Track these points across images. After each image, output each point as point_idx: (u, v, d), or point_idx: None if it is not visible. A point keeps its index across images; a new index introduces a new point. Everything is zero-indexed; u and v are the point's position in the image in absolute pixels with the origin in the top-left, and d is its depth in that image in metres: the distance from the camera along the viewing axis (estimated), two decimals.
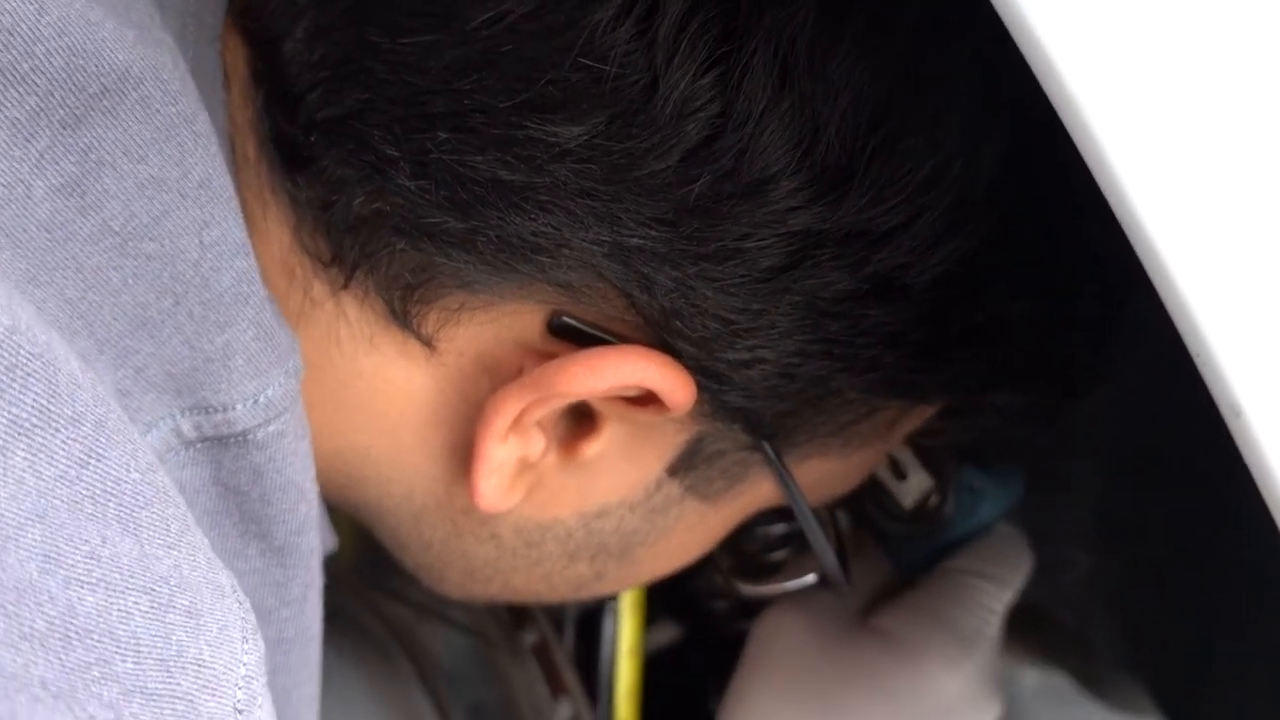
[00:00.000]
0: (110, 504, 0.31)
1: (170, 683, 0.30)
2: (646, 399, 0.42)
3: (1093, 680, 0.76)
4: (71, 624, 0.28)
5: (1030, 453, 0.58)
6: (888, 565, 0.59)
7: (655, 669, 0.65)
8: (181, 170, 0.37)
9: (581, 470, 0.44)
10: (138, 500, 0.32)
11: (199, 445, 0.39)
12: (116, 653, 0.29)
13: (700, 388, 0.41)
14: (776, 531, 0.58)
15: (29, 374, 0.30)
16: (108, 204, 0.36)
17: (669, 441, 0.44)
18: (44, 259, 0.35)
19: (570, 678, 0.63)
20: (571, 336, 0.41)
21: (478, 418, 0.42)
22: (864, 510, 0.58)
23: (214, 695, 0.31)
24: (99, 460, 0.31)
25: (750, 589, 0.58)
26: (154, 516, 0.32)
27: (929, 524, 0.56)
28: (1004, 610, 0.55)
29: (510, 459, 0.43)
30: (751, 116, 0.37)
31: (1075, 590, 0.66)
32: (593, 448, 0.43)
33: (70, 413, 0.31)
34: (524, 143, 0.37)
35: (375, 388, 0.43)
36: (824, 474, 0.47)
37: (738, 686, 0.56)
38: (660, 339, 0.41)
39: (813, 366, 0.41)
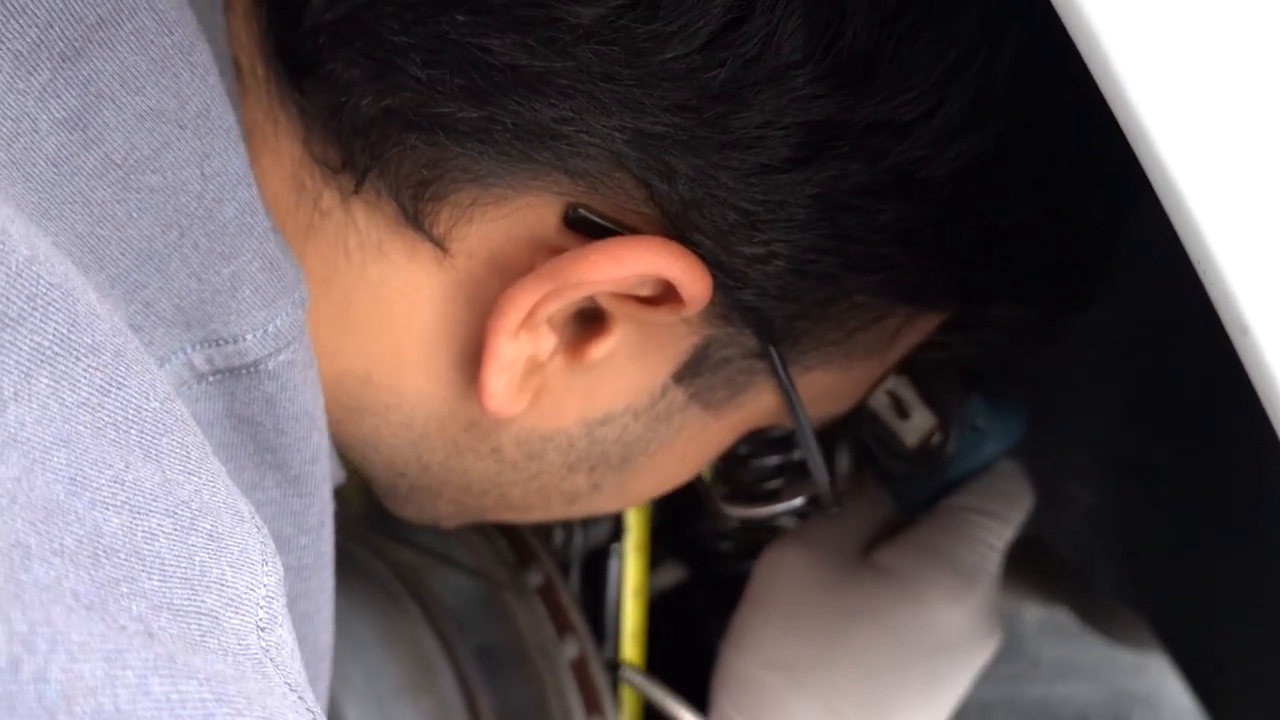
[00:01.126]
0: (132, 430, 0.32)
1: (195, 600, 0.31)
2: (659, 298, 0.42)
3: (1093, 616, 0.77)
4: (99, 542, 0.29)
5: (1035, 389, 0.58)
6: (890, 503, 0.59)
7: (660, 610, 0.66)
8: (179, 101, 0.37)
9: (588, 373, 0.44)
10: (158, 428, 0.33)
11: (211, 378, 0.39)
12: (143, 570, 0.30)
13: (715, 285, 0.41)
14: (771, 463, 0.59)
15: (49, 303, 0.31)
16: (109, 137, 0.36)
17: (677, 345, 0.44)
18: (53, 193, 0.35)
19: (575, 617, 0.64)
20: (587, 230, 0.40)
21: (489, 316, 0.41)
22: (867, 449, 0.58)
23: (237, 612, 0.32)
24: (119, 388, 0.32)
25: (741, 512, 0.59)
26: (174, 444, 0.33)
27: (931, 462, 0.56)
28: (1004, 546, 0.56)
29: (520, 357, 0.42)
30: (779, 0, 0.37)
31: (1077, 526, 0.66)
32: (601, 348, 0.43)
33: (90, 341, 0.31)
34: (546, 24, 0.37)
35: (381, 298, 0.43)
36: (824, 388, 0.47)
37: (739, 622, 0.57)
38: (678, 232, 0.40)
39: (826, 264, 0.41)
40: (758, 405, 0.47)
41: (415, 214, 0.41)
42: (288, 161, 0.41)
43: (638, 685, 0.63)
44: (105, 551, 0.29)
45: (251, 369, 0.39)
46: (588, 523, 0.68)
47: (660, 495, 0.53)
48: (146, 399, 0.32)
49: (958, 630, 0.54)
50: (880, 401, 0.56)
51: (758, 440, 0.56)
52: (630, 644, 0.65)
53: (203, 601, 0.31)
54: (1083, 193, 0.45)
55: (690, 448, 0.49)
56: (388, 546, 0.67)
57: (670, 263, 0.40)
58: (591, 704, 0.64)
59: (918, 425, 0.56)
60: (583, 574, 0.69)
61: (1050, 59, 0.39)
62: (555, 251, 0.41)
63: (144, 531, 0.30)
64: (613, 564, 0.68)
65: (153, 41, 0.36)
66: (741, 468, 0.60)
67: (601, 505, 0.52)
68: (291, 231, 0.42)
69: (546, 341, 0.42)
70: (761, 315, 0.42)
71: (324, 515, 0.43)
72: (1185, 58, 0.29)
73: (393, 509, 0.51)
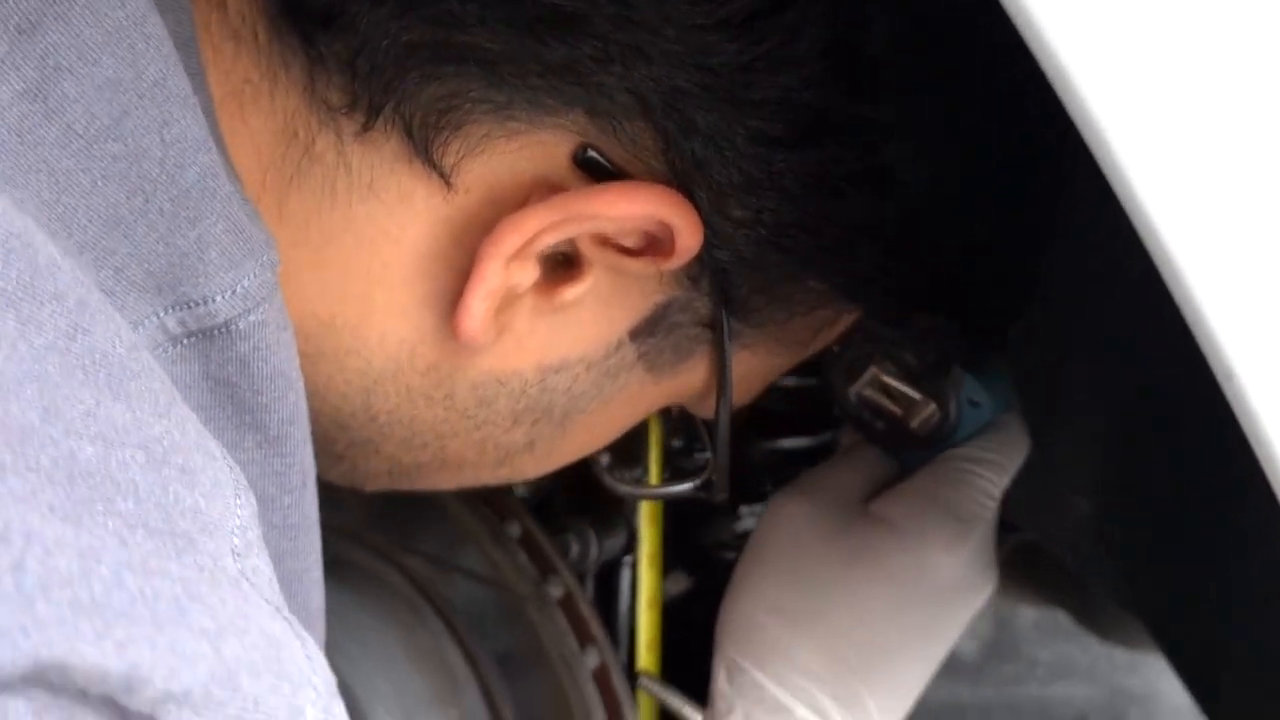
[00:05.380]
0: (100, 373, 0.33)
1: (169, 523, 0.31)
2: (641, 249, 0.44)
3: (1091, 617, 0.77)
4: (74, 465, 0.30)
5: (1032, 398, 0.60)
6: (892, 459, 0.61)
7: (667, 619, 0.67)
8: (135, 71, 0.38)
9: (554, 316, 0.45)
10: (126, 372, 0.33)
11: (185, 341, 0.40)
12: (117, 494, 0.30)
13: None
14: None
15: (10, 250, 0.32)
16: (69, 107, 0.37)
17: (643, 300, 0.46)
18: (18, 162, 0.36)
19: (596, 628, 0.65)
20: (593, 172, 0.42)
21: (485, 242, 0.42)
22: (869, 432, 0.60)
23: (212, 537, 0.32)
24: (85, 334, 0.33)
25: (626, 490, 0.61)
26: (142, 388, 0.34)
27: (935, 438, 0.58)
28: (1000, 494, 0.57)
29: (502, 287, 0.43)
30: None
31: (1076, 534, 0.67)
32: (573, 292, 0.44)
33: (53, 288, 0.32)
34: None
35: (363, 238, 0.43)
36: (746, 369, 0.50)
37: (742, 571, 0.58)
38: (680, 186, 0.42)
39: (800, 240, 0.44)
40: (690, 378, 0.50)
41: (425, 144, 0.42)
42: (281, 116, 0.42)
43: (656, 693, 0.64)
44: (81, 474, 0.30)
45: (223, 330, 0.40)
46: (603, 536, 0.69)
47: (579, 459, 0.54)
48: (113, 345, 0.33)
49: (953, 576, 0.56)
50: (877, 392, 0.58)
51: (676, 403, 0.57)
52: (646, 653, 0.65)
53: (177, 524, 0.31)
54: (1042, 218, 0.48)
55: (623, 410, 0.51)
56: (406, 558, 0.68)
57: (676, 210, 0.42)
58: (613, 712, 0.65)
59: (917, 410, 0.58)
60: (596, 586, 0.70)
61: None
62: (555, 190, 0.42)
63: (118, 460, 0.31)
64: (624, 575, 0.70)
65: (106, 14, 0.37)
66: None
67: (527, 467, 0.53)
68: (274, 183, 0.43)
69: (528, 275, 0.43)
70: (728, 279, 0.45)
71: (305, 476, 0.44)
72: (1155, 85, 0.29)
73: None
